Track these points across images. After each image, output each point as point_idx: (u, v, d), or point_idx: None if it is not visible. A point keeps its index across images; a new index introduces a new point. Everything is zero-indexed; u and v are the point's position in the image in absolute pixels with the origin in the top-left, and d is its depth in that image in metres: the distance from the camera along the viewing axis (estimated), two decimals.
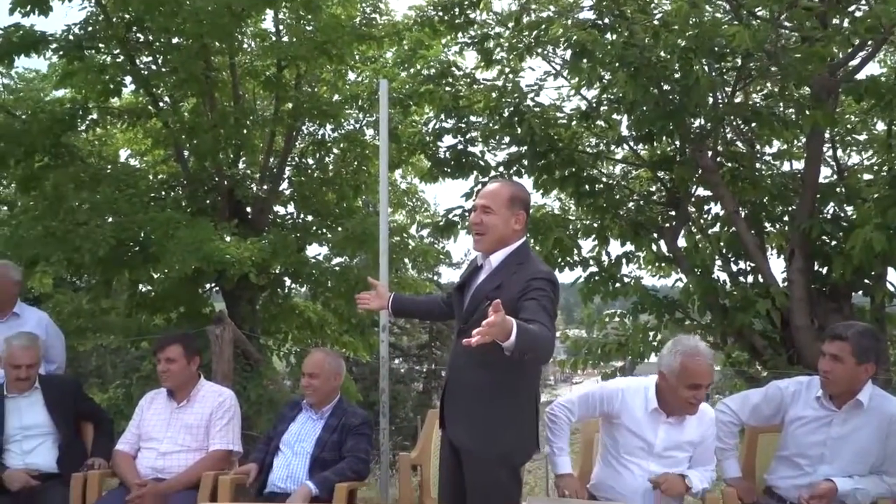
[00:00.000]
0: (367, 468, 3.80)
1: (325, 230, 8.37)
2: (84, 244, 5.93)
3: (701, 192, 6.30)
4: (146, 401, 3.94)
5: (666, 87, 5.43)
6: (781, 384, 3.37)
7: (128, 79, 7.02)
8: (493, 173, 6.41)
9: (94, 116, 6.95)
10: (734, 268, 6.14)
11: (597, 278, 6.30)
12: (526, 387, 2.81)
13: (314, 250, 8.90)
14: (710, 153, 5.91)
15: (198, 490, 3.51)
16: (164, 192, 7.89)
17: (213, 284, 8.01)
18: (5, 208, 7.71)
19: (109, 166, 7.40)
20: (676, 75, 5.28)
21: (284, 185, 8.53)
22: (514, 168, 6.28)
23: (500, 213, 2.79)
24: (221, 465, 3.69)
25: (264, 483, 3.62)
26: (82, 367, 8.64)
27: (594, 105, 6.19)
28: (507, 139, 6.29)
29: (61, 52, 6.67)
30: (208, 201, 7.80)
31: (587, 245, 6.41)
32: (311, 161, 8.51)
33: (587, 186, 6.22)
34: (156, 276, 7.26)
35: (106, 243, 6.08)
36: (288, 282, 8.62)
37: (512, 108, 6.06)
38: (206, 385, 3.94)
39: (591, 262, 6.39)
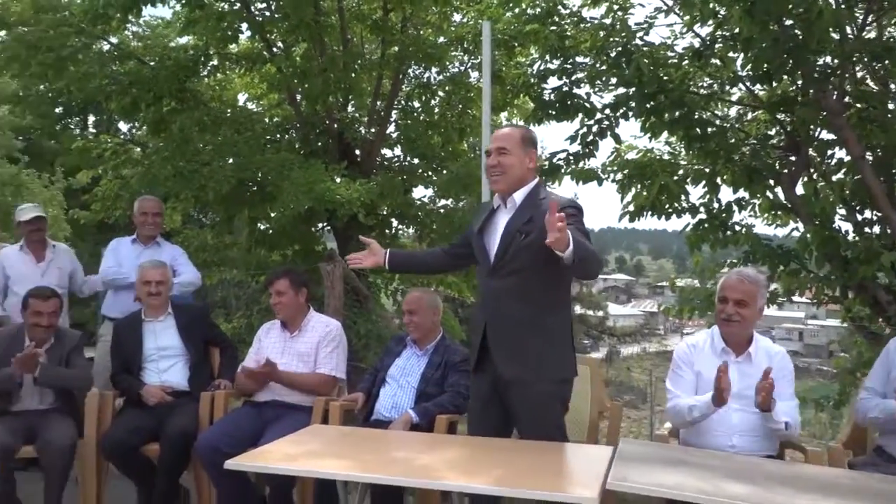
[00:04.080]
0: (466, 403, 3.98)
1: (430, 173, 8.53)
2: (208, 183, 6.34)
3: (824, 135, 5.96)
4: (263, 331, 4.26)
5: (786, 21, 5.14)
6: None
7: (244, 25, 7.30)
8: (598, 115, 6.30)
9: (215, 62, 7.30)
10: (858, 217, 5.84)
11: (706, 226, 6.14)
12: (564, 318, 3.03)
13: (420, 192, 9.12)
14: (834, 93, 5.57)
15: (310, 413, 3.80)
16: (278, 135, 8.23)
17: (324, 224, 8.36)
18: (139, 149, 8.27)
19: (229, 110, 7.78)
20: (798, 9, 4.98)
21: (391, 128, 8.71)
22: (621, 110, 6.15)
23: (515, 153, 2.99)
24: (327, 389, 3.96)
25: (371, 411, 3.87)
26: (208, 298, 9.25)
27: (708, 43, 5.93)
28: (613, 80, 6.14)
29: (183, 1, 7.00)
30: (319, 144, 8.08)
31: (695, 192, 6.23)
32: (416, 104, 8.63)
33: (698, 130, 6.01)
34: (272, 215, 7.64)
35: (227, 182, 6.47)
36: (395, 223, 8.88)
37: (620, 48, 5.92)
38: (315, 316, 4.20)
39: (700, 208, 6.22)
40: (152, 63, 6.84)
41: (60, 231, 13.13)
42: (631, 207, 6.20)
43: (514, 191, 3.01)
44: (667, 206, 6.08)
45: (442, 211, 8.38)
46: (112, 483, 4.18)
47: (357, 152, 8.20)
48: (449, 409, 3.66)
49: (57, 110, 17.49)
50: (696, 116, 6.01)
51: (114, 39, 7.41)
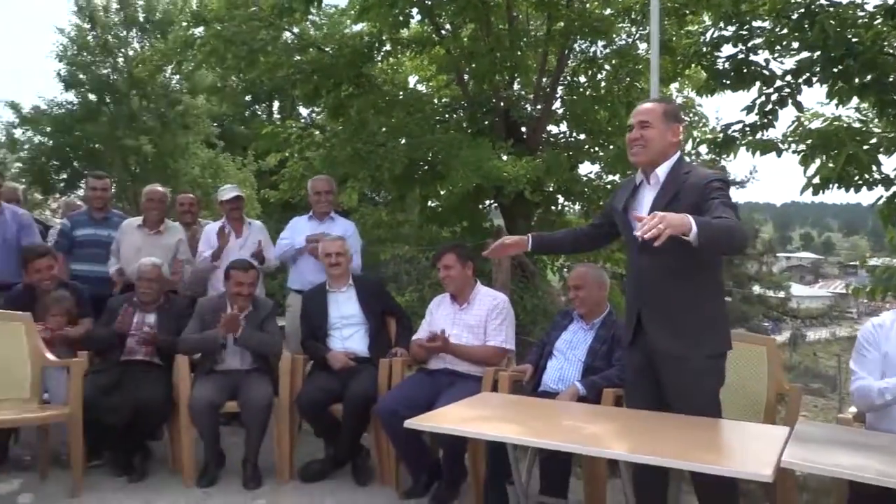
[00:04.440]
0: None
1: (596, 148, 8.44)
2: (383, 163, 6.69)
3: None
4: (435, 304, 4.49)
5: None
6: None
7: (414, 10, 7.55)
8: (778, 83, 5.95)
9: (388, 47, 7.62)
10: None
11: None
12: (716, 290, 3.00)
13: (586, 168, 9.05)
14: None
15: (480, 381, 3.98)
16: (447, 115, 8.46)
17: (491, 201, 8.54)
18: (318, 132, 8.84)
19: (401, 93, 8.11)
20: None
21: (557, 104, 8.69)
22: (804, 76, 5.78)
23: (657, 126, 2.96)
24: (496, 360, 4.11)
25: (538, 382, 3.98)
26: (381, 273, 9.77)
27: None
28: (795, 45, 5.77)
29: None
30: (486, 122, 8.23)
31: (889, 162, 5.72)
32: (582, 79, 8.55)
33: (894, 95, 5.54)
34: (442, 192, 7.92)
35: (400, 162, 6.80)
36: (561, 199, 8.88)
37: (802, 10, 5.55)
38: (482, 290, 4.36)
39: (895, 180, 5.73)
40: (331, 51, 7.29)
41: (252, 210, 14.29)
42: (816, 180, 5.82)
43: (657, 165, 2.99)
44: (856, 177, 5.64)
45: (609, 186, 8.28)
46: (301, 438, 4.61)
47: (523, 129, 8.27)
48: (616, 384, 3.68)
49: (246, 98, 19.01)
50: (891, 80, 5.52)
51: (296, 30, 7.95)
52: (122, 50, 17.34)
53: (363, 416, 4.19)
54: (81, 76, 17.18)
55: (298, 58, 6.89)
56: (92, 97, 17.00)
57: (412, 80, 9.40)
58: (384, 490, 4.18)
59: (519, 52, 7.66)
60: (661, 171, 2.99)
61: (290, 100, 18.79)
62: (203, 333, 4.44)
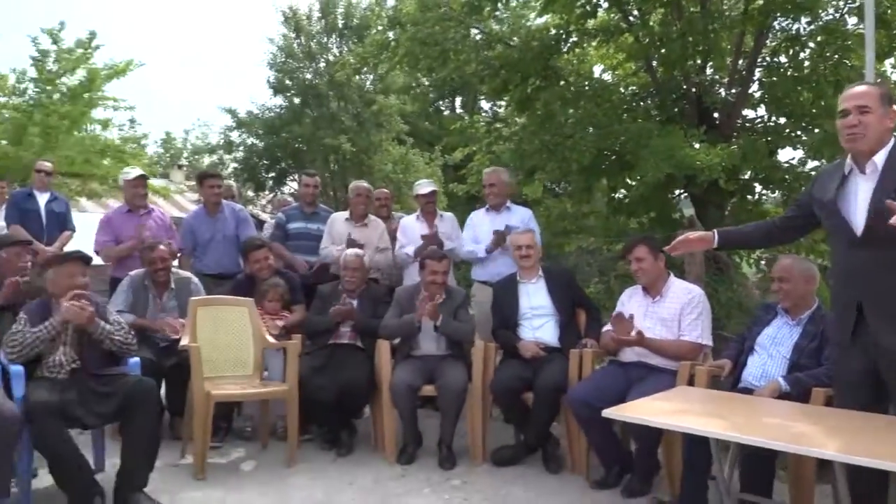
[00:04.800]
0: None
1: (799, 132, 7.87)
2: (571, 155, 6.70)
3: None
4: (626, 296, 4.45)
5: None
6: None
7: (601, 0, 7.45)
8: None
9: (574, 39, 7.58)
10: None
11: None
12: None
13: (786, 154, 8.46)
14: None
15: (675, 376, 3.90)
16: (635, 104, 8.27)
17: (681, 190, 8.24)
18: (505, 126, 8.99)
19: (587, 83, 8.04)
20: None
21: (754, 87, 8.19)
22: None
23: (876, 111, 2.77)
24: (692, 355, 4.00)
25: (737, 379, 3.83)
26: (562, 264, 9.76)
27: None
28: None
29: None
30: (676, 109, 7.95)
31: None
32: (783, 59, 7.99)
33: None
34: (631, 183, 7.76)
35: (588, 153, 6.76)
36: (758, 187, 8.38)
37: None
38: (676, 282, 4.26)
39: None
40: (518, 45, 7.38)
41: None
42: None
43: (874, 153, 2.79)
44: None
45: (813, 173, 7.67)
46: (491, 424, 4.76)
47: (716, 115, 7.90)
48: (825, 383, 3.47)
49: (430, 95, 19.75)
50: None
51: (483, 27, 8.11)
52: (324, 56, 18.62)
53: (553, 404, 4.26)
54: (288, 81, 18.68)
55: (487, 54, 7.05)
56: (297, 100, 18.42)
57: (597, 69, 9.28)
58: (574, 478, 4.22)
59: (712, 35, 7.32)
60: (879, 158, 2.79)
61: (473, 95, 19.23)
62: (402, 318, 4.72)
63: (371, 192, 6.01)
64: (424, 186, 5.82)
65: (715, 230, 3.34)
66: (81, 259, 3.89)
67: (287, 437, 4.58)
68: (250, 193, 19.22)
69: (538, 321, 4.62)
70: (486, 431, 4.59)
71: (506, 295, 4.76)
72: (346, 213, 5.80)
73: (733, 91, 7.90)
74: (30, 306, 3.81)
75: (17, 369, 3.54)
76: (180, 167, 20.55)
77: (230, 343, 4.75)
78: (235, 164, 19.04)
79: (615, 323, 4.10)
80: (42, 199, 6.61)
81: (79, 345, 3.73)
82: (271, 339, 4.80)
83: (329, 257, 5.58)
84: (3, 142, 13.19)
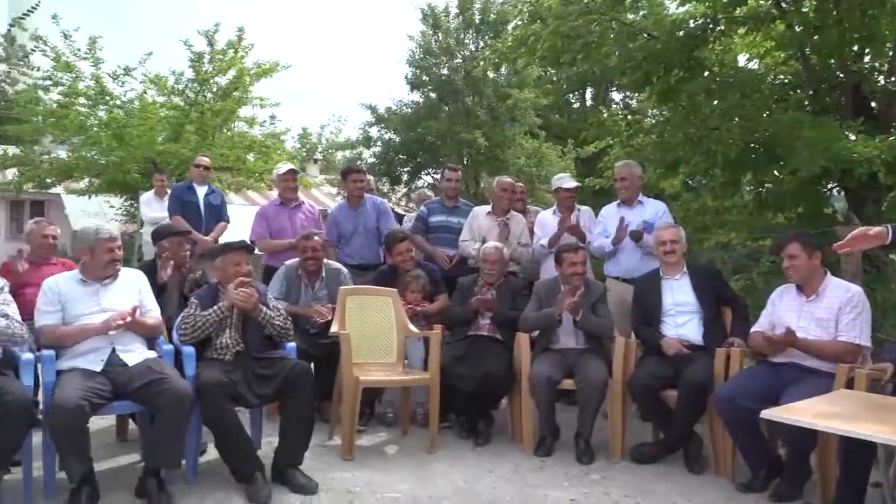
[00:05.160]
0: None
1: None
2: (717, 147, 6.46)
3: None
4: (777, 294, 4.26)
5: None
6: None
7: None
8: None
9: (721, 28, 7.28)
10: None
11: None
12: None
13: None
14: None
15: (831, 378, 3.71)
16: (785, 94, 7.85)
17: (834, 184, 7.77)
18: (646, 119, 8.78)
19: (732, 73, 7.72)
20: None
21: None
22: None
23: None
24: (850, 358, 3.79)
25: None
26: (697, 260, 9.44)
27: None
28: None
29: None
30: (828, 99, 7.49)
31: None
32: None
33: None
34: (779, 176, 7.39)
35: (735, 146, 6.50)
36: None
37: None
38: (833, 281, 4.04)
39: None
40: (659, 36, 7.19)
41: None
42: None
43: None
44: None
45: None
46: (630, 421, 4.71)
47: (873, 105, 7.37)
48: None
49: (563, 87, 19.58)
50: None
51: (624, 18, 7.95)
52: (460, 51, 18.86)
53: (698, 403, 4.17)
54: (424, 77, 19.08)
55: (629, 46, 6.90)
56: (433, 96, 18.77)
57: (741, 58, 8.86)
58: (718, 480, 4.12)
59: (871, 21, 6.83)
60: None
61: (603, 87, 18.89)
62: (542, 311, 4.76)
63: (515, 186, 6.07)
64: (567, 181, 5.81)
65: (887, 226, 3.18)
66: (245, 248, 4.19)
67: (427, 423, 4.74)
68: (386, 187, 19.78)
69: (682, 318, 4.52)
70: (626, 427, 4.56)
71: (648, 291, 4.69)
72: (487, 207, 5.89)
73: (893, 79, 7.35)
74: (199, 292, 4.15)
75: (189, 350, 3.87)
76: (315, 161, 21.49)
77: (375, 331, 4.97)
78: (373, 159, 19.65)
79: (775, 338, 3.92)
80: (201, 191, 7.14)
81: (243, 329, 4.02)
82: (414, 329, 4.97)
83: (466, 252, 5.69)
84: (163, 138, 14.31)
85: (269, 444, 4.15)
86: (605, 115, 8.77)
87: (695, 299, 4.53)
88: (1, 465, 3.36)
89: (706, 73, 7.17)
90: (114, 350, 3.68)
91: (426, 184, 19.29)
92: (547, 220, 5.86)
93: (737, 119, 6.53)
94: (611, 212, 5.58)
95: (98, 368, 3.58)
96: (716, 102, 6.74)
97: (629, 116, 9.03)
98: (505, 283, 5.24)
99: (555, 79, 18.62)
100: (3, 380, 3.30)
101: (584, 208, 5.93)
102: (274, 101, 15.64)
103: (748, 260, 8.99)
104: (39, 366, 3.57)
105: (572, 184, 5.75)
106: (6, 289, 3.65)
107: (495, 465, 4.34)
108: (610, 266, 5.55)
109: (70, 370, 3.54)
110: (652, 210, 5.41)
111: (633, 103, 15.94)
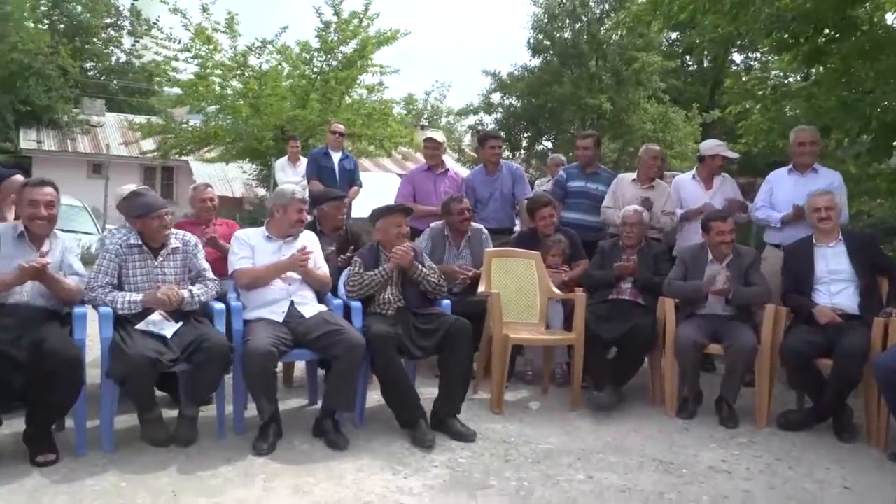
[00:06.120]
0: None
1: None
2: (872, 111, 6.19)
3: None
4: None
5: None
6: None
7: None
8: None
9: None
10: None
11: None
12: None
13: None
14: None
15: None
16: None
17: None
18: (793, 81, 8.45)
19: (884, 33, 7.28)
20: None
21: None
22: None
23: None
24: None
25: None
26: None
27: None
28: None
29: None
30: None
31: None
32: None
33: None
34: None
35: (892, 110, 6.21)
36: None
37: None
38: None
39: None
40: None
41: (693, 162, 14.31)
42: None
43: None
44: None
45: None
46: (778, 387, 4.70)
47: None
48: None
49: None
50: None
51: None
52: (585, 14, 18.55)
53: (853, 373, 4.11)
54: (547, 42, 18.92)
55: (777, 5, 6.62)
56: (555, 61, 18.59)
57: (888, 18, 8.30)
58: (869, 450, 4.09)
59: None
60: None
61: (724, 49, 18.14)
62: (691, 284, 4.75)
63: (664, 154, 6.05)
64: (720, 148, 5.75)
65: None
66: (404, 211, 4.44)
67: (566, 383, 4.88)
68: (506, 153, 19.88)
69: (836, 286, 4.45)
70: (773, 394, 4.55)
71: (800, 258, 4.62)
72: (632, 175, 5.91)
73: None
74: (362, 251, 4.45)
75: (357, 305, 4.17)
76: (422, 128, 21.78)
77: (518, 292, 5.14)
78: (493, 126, 19.72)
79: None
80: (336, 157, 7.52)
81: (402, 286, 4.29)
82: (556, 291, 5.11)
83: (610, 220, 5.75)
84: (291, 105, 14.94)
85: (421, 396, 4.38)
86: (745, 79, 8.45)
87: (850, 267, 4.44)
88: (199, 403, 3.77)
89: (858, 34, 6.81)
90: (292, 303, 4.03)
91: (547, 149, 19.20)
92: (684, 185, 5.84)
93: (892, 81, 6.20)
94: (780, 178, 5.45)
95: (280, 319, 3.94)
96: (869, 64, 6.41)
97: (778, 79, 8.68)
98: (647, 246, 5.27)
99: (679, 42, 18.06)
100: (202, 328, 3.70)
101: (728, 177, 5.87)
102: (394, 69, 16.04)
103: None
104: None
105: (724, 151, 5.71)
106: (200, 244, 4.06)
107: (639, 425, 4.44)
108: (772, 234, 5.46)
109: (256, 320, 3.91)
110: (826, 180, 5.21)
111: (755, 65, 15.28)
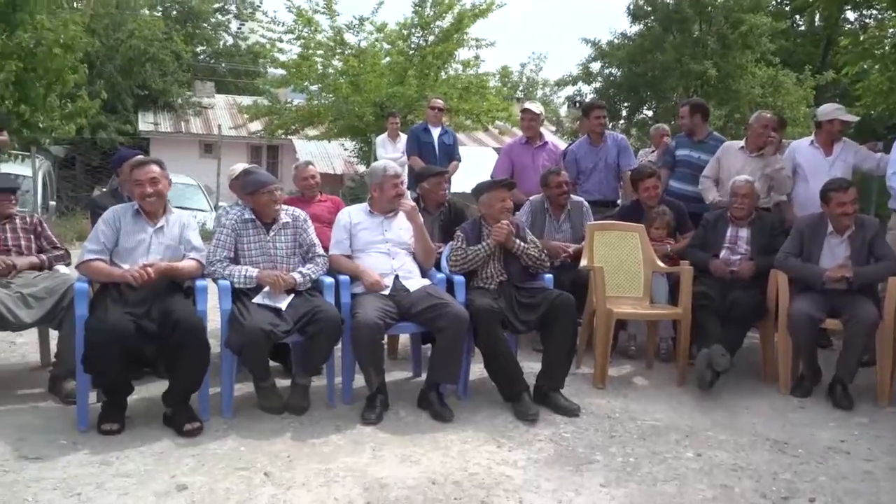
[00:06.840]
0: None
1: None
2: None
3: None
4: None
5: None
6: None
7: None
8: None
9: None
10: None
11: None
12: None
13: None
14: None
15: None
16: None
17: None
18: None
19: None
20: None
21: None
22: None
23: None
24: None
25: None
26: None
27: None
28: None
29: None
30: None
31: None
32: None
33: None
34: None
35: None
36: None
37: None
38: None
39: None
40: None
41: (808, 128, 13.56)
42: None
43: None
44: None
45: None
46: None
47: None
48: None
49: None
50: None
51: None
52: None
53: None
54: (648, 8, 18.25)
55: None
56: (657, 27, 17.89)
57: None
58: None
59: None
60: None
61: (837, 7, 16.95)
62: (810, 268, 4.51)
63: (775, 122, 5.77)
64: (838, 112, 5.45)
65: None
66: (507, 185, 4.44)
67: (670, 358, 4.77)
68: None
69: None
70: (895, 376, 4.31)
71: None
72: (739, 143, 5.68)
73: None
74: (465, 226, 4.47)
75: (460, 279, 4.22)
76: (518, 100, 21.47)
77: (621, 266, 5.05)
78: (593, 95, 19.25)
79: None
80: (435, 132, 7.56)
81: (504, 260, 4.30)
82: (661, 264, 4.99)
83: (705, 193, 5.57)
84: (389, 82, 15.08)
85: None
86: (863, 38, 7.89)
87: None
88: (311, 373, 3.93)
89: None
90: (397, 277, 4.11)
91: (647, 119, 18.59)
92: (804, 151, 5.57)
93: None
94: None
95: (385, 293, 4.03)
96: None
97: (889, 38, 8.07)
98: (758, 218, 5.05)
99: (788, 1, 17.02)
100: (315, 300, 3.84)
101: (850, 143, 5.56)
102: (489, 42, 15.89)
103: None
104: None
105: (845, 116, 5.41)
106: (308, 219, 4.20)
107: (751, 402, 4.31)
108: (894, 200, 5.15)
109: (363, 294, 4.01)
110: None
111: (871, 23, 14.21)
